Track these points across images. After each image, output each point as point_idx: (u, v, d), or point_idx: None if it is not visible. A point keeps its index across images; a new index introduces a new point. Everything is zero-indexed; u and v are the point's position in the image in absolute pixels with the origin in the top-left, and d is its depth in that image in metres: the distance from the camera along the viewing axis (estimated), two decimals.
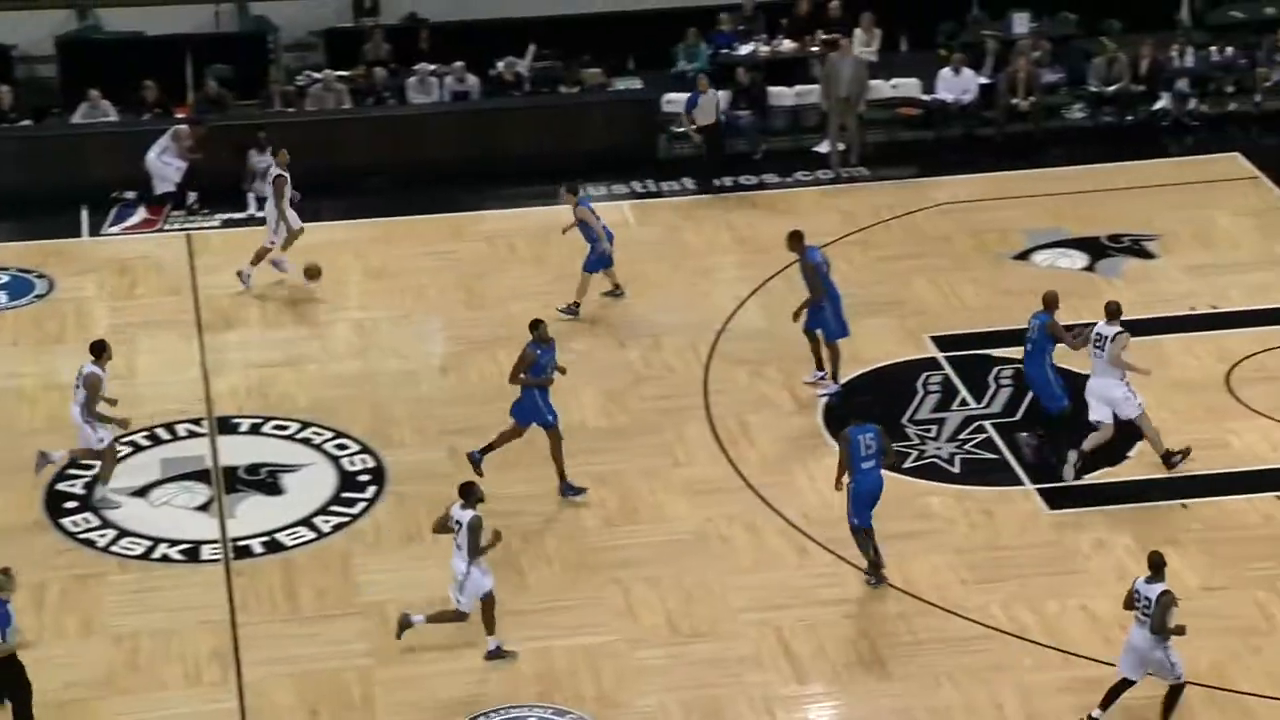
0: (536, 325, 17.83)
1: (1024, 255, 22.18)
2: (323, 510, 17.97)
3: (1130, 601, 14.68)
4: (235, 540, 17.51)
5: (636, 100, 25.56)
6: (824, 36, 26.31)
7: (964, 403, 19.28)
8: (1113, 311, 17.76)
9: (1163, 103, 25.55)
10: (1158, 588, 14.48)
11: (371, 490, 18.25)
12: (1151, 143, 25.12)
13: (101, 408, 17.74)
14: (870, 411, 18.98)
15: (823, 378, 19.47)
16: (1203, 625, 15.91)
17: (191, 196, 24.18)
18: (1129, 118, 25.51)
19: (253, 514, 17.92)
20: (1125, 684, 14.73)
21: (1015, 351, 19.94)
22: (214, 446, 18.89)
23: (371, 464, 18.65)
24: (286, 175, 21.61)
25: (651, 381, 19.91)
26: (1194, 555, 16.83)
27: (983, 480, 17.95)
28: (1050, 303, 18.04)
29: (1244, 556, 16.80)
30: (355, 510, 17.97)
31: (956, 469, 18.20)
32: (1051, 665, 15.64)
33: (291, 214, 21.73)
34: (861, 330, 20.36)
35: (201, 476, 18.46)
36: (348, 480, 18.41)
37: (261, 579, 16.92)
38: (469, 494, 15.65)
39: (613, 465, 18.43)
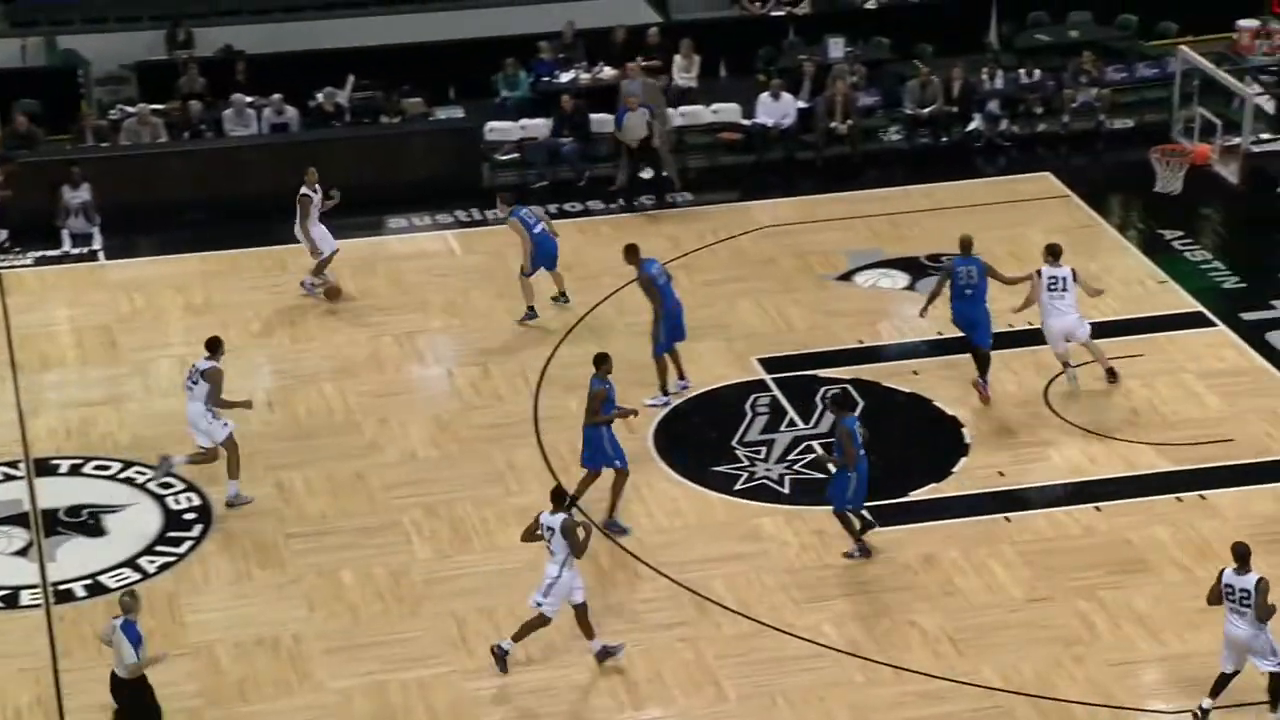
0: (602, 360, 17.59)
1: (846, 276, 22.49)
2: (148, 551, 17.62)
3: (1218, 596, 14.91)
4: (56, 585, 17.10)
5: (459, 129, 25.48)
6: (643, 63, 26.49)
7: (792, 424, 19.47)
8: (1056, 252, 19.23)
9: (975, 124, 26.08)
10: (1251, 577, 14.77)
11: (198, 529, 17.94)
12: (966, 163, 25.62)
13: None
14: (703, 434, 19.23)
15: (668, 398, 19.73)
16: (1027, 635, 16.27)
17: (2, 234, 23.63)
18: (944, 139, 25.99)
19: (74, 557, 17.52)
20: (1229, 676, 15.04)
21: (842, 372, 20.30)
22: (32, 489, 18.43)
23: (197, 502, 18.33)
24: (311, 195, 21.64)
25: (481, 410, 19.84)
26: (1018, 567, 17.16)
27: (813, 500, 18.12)
28: (969, 245, 19.49)
29: (1066, 567, 17.17)
30: (181, 550, 17.65)
31: (786, 490, 18.37)
32: (884, 681, 15.83)
33: (319, 233, 21.78)
34: (689, 354, 20.49)
35: (19, 520, 18.00)
36: (173, 519, 18.08)
37: (85, 623, 16.53)
38: (559, 499, 15.78)
39: (444, 495, 18.33)
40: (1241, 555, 14.90)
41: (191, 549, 17.63)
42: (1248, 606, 14.76)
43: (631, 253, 19.70)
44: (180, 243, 23.62)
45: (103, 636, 14.84)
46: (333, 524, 17.97)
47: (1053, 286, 19.08)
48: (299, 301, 22.17)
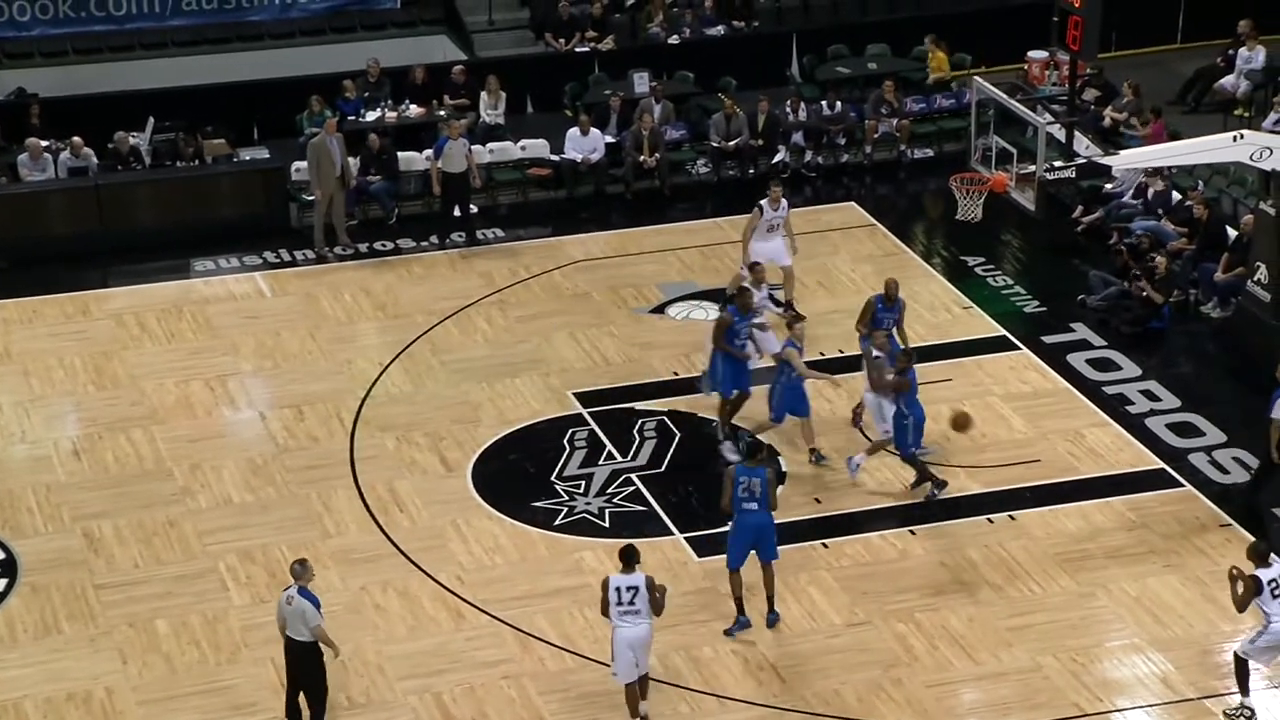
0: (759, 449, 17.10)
1: (659, 309, 22.64)
2: None
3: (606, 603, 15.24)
4: None
5: (265, 170, 25.18)
6: (451, 102, 26.44)
7: (611, 457, 19.53)
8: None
9: (781, 156, 26.46)
10: (640, 575, 15.24)
11: (2, 583, 17.44)
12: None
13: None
14: (522, 470, 19.18)
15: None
16: (847, 660, 16.49)
17: None
18: (750, 171, 26.31)
19: None
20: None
21: (658, 404, 20.42)
22: None
23: (1, 556, 17.82)
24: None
25: (296, 452, 19.60)
26: (836, 593, 17.38)
27: (633, 532, 18.18)
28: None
29: (883, 591, 17.43)
30: None
31: (606, 523, 18.41)
32: (709, 711, 15.92)
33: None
34: (506, 390, 20.52)
35: None
36: None
37: None
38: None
39: (260, 540, 18.08)
40: (627, 556, 15.30)
41: None
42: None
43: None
44: None
45: (278, 614, 15.20)
46: (146, 573, 17.62)
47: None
48: (103, 347, 21.72)
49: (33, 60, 27.68)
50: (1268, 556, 15.45)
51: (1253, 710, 15.64)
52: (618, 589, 15.26)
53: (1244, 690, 15.62)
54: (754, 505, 16.33)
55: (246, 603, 17.21)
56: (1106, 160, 21.87)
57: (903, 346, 19.53)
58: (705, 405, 20.36)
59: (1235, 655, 15.67)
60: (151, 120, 25.53)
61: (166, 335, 22.05)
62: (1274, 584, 15.31)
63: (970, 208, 24.53)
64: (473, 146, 24.72)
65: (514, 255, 24.02)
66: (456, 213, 24.47)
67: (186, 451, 19.57)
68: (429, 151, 24.65)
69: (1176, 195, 23.97)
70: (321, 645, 15.20)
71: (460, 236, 24.36)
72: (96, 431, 19.98)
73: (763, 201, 21.93)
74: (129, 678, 16.24)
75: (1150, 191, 23.92)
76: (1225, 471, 19.26)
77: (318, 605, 15.13)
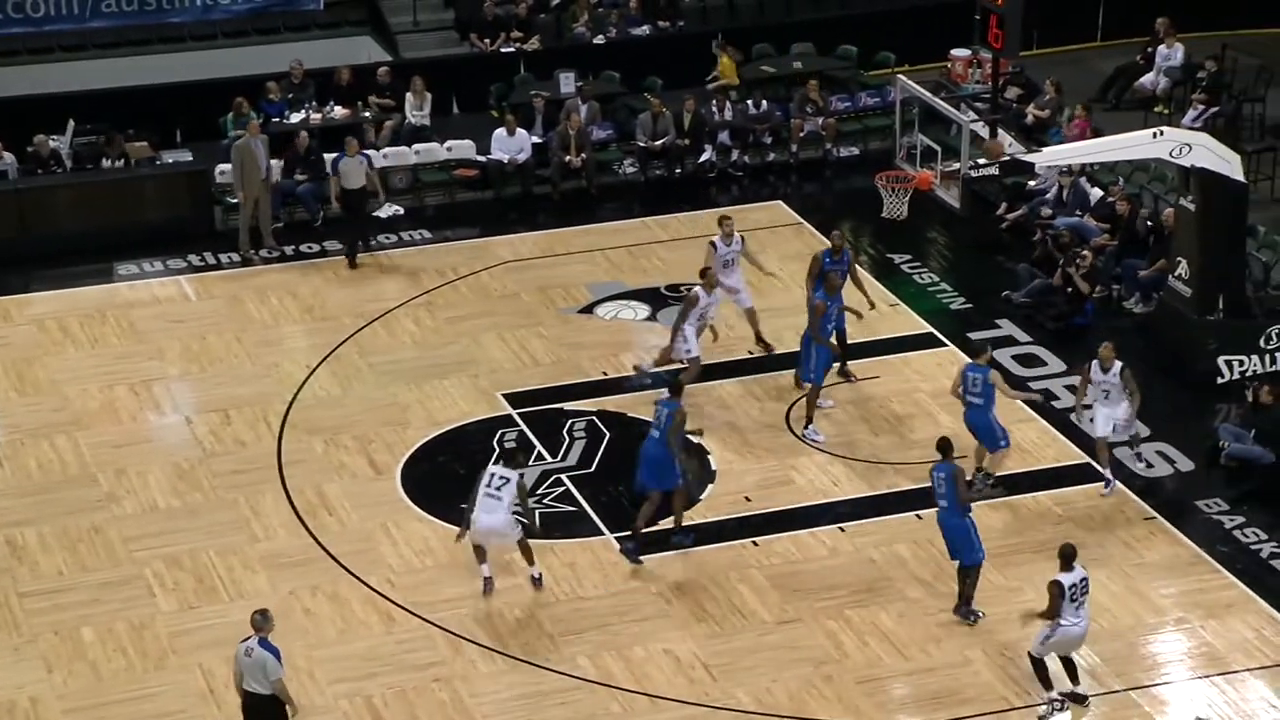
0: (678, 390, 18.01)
1: (588, 309, 22.63)
2: None
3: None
4: None
5: (188, 173, 24.97)
6: (377, 103, 26.32)
7: (540, 457, 19.51)
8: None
9: (707, 155, 26.51)
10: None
11: None
12: (700, 194, 25.97)
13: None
14: (451, 472, 19.12)
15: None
16: (779, 658, 16.55)
17: None
18: (677, 170, 26.36)
19: None
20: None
21: (587, 404, 20.41)
22: None
23: None
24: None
25: (223, 457, 19.46)
26: (766, 591, 17.43)
27: (564, 533, 18.19)
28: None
29: (813, 588, 17.49)
30: None
31: (537, 524, 18.37)
32: (640, 710, 15.93)
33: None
34: (435, 391, 20.42)
35: None
36: None
37: None
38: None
39: (188, 545, 17.95)
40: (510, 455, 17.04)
41: None
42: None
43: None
44: None
45: (235, 667, 14.69)
46: (70, 580, 17.45)
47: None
48: (25, 353, 21.49)
49: None
50: (1073, 560, 15.64)
51: (1062, 699, 15.83)
52: (492, 475, 16.73)
53: (1047, 685, 15.84)
54: (655, 434, 17.65)
55: (174, 609, 17.08)
56: (1030, 157, 22.04)
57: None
58: (633, 405, 20.39)
59: (1030, 656, 15.84)
60: (72, 123, 25.29)
61: (90, 340, 21.85)
62: (1074, 589, 15.55)
63: (896, 205, 24.71)
64: (398, 148, 24.60)
65: (442, 256, 23.95)
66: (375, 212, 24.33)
67: (111, 457, 19.40)
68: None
69: (1098, 192, 24.20)
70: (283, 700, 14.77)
71: (390, 238, 24.22)
72: (19, 438, 19.77)
73: (715, 238, 21.10)
74: (54, 686, 16.07)
75: (1066, 192, 24.14)
76: (1149, 465, 19.45)
77: (279, 657, 14.60)
